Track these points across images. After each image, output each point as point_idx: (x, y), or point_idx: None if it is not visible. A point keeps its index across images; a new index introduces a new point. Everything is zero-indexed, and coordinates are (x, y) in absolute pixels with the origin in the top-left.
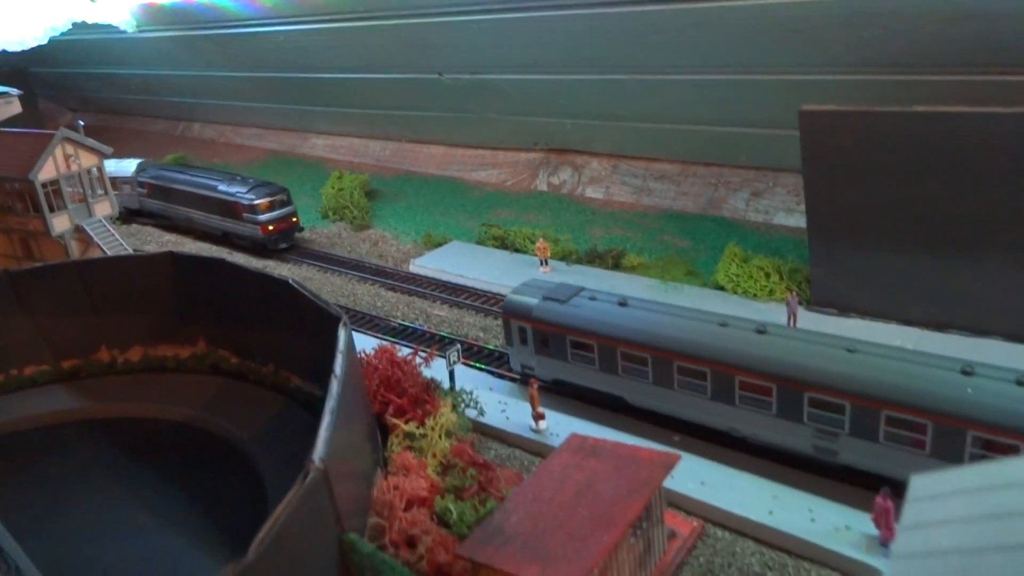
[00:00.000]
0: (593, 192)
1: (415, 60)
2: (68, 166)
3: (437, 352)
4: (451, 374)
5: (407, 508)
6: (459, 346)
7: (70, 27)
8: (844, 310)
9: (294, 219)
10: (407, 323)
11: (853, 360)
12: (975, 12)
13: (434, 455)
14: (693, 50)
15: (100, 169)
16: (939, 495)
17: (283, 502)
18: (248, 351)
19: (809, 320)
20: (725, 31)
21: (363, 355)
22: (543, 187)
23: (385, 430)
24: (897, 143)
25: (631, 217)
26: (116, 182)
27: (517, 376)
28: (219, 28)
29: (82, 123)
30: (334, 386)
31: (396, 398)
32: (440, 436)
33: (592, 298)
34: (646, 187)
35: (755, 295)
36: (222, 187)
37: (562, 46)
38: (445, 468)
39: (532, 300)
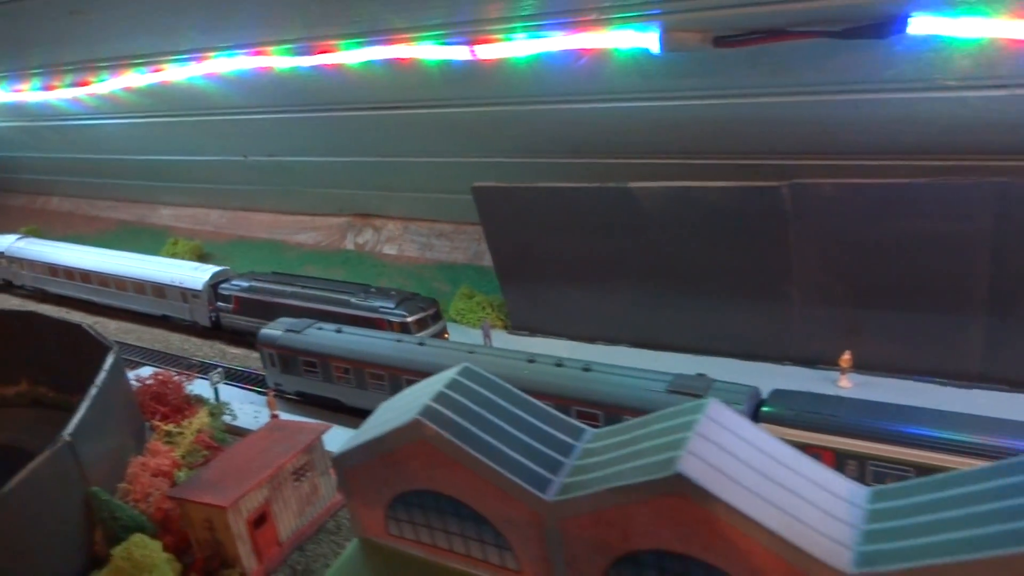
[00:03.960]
0: (389, 249)
1: (222, 146)
2: None
3: (199, 374)
4: (215, 391)
5: (153, 477)
6: (221, 369)
7: None
8: (534, 332)
9: (446, 335)
10: (205, 360)
11: (444, 356)
12: (578, 120)
13: (182, 445)
14: (411, 140)
15: None
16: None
17: (36, 459)
18: (61, 385)
19: (505, 340)
20: (421, 128)
21: (138, 378)
22: (350, 246)
23: (153, 431)
24: (537, 208)
25: (415, 269)
26: (180, 293)
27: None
28: (55, 121)
29: None
30: (91, 392)
31: (162, 407)
32: (191, 433)
33: (320, 328)
34: (430, 244)
35: (474, 324)
36: (357, 301)
37: (322, 136)
38: (188, 453)
39: (277, 332)
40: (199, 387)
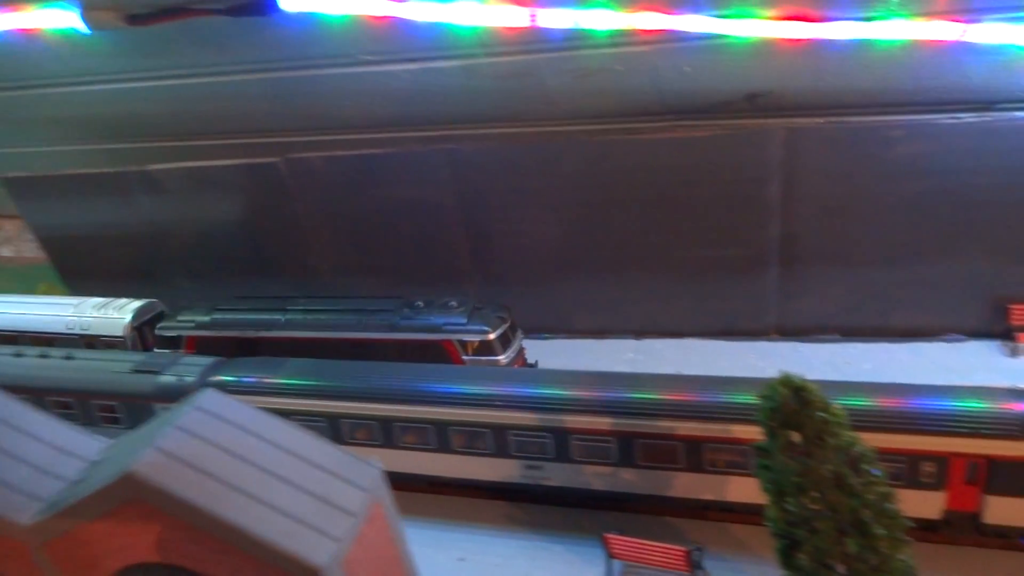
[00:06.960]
0: (6, 251)
1: None
2: None
3: None
4: None
5: None
6: None
7: None
8: None
9: (524, 352)
10: None
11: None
12: (81, 103)
13: None
14: None
15: None
16: None
17: None
18: None
19: None
20: None
21: None
22: None
23: None
24: (74, 196)
25: (27, 270)
26: (87, 343)
27: None
28: None
29: None
30: None
31: None
32: None
33: None
34: None
35: None
36: (407, 322)
37: None
38: None
39: None
40: None
